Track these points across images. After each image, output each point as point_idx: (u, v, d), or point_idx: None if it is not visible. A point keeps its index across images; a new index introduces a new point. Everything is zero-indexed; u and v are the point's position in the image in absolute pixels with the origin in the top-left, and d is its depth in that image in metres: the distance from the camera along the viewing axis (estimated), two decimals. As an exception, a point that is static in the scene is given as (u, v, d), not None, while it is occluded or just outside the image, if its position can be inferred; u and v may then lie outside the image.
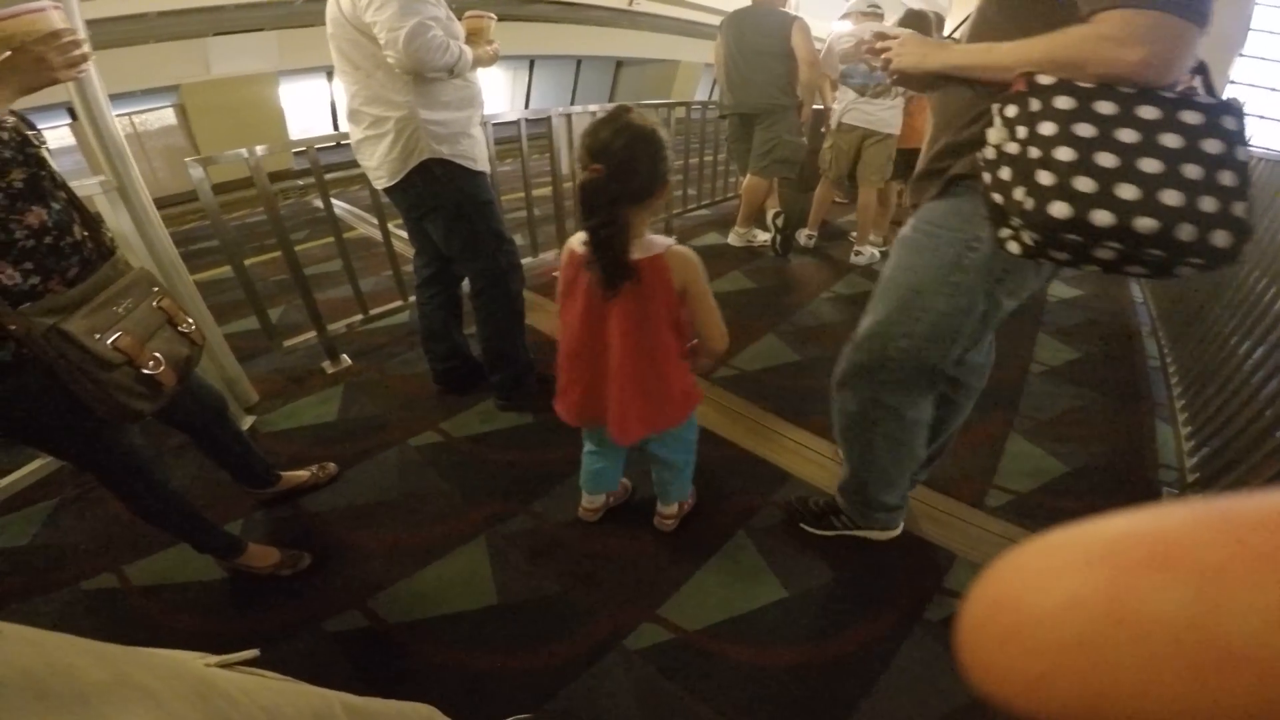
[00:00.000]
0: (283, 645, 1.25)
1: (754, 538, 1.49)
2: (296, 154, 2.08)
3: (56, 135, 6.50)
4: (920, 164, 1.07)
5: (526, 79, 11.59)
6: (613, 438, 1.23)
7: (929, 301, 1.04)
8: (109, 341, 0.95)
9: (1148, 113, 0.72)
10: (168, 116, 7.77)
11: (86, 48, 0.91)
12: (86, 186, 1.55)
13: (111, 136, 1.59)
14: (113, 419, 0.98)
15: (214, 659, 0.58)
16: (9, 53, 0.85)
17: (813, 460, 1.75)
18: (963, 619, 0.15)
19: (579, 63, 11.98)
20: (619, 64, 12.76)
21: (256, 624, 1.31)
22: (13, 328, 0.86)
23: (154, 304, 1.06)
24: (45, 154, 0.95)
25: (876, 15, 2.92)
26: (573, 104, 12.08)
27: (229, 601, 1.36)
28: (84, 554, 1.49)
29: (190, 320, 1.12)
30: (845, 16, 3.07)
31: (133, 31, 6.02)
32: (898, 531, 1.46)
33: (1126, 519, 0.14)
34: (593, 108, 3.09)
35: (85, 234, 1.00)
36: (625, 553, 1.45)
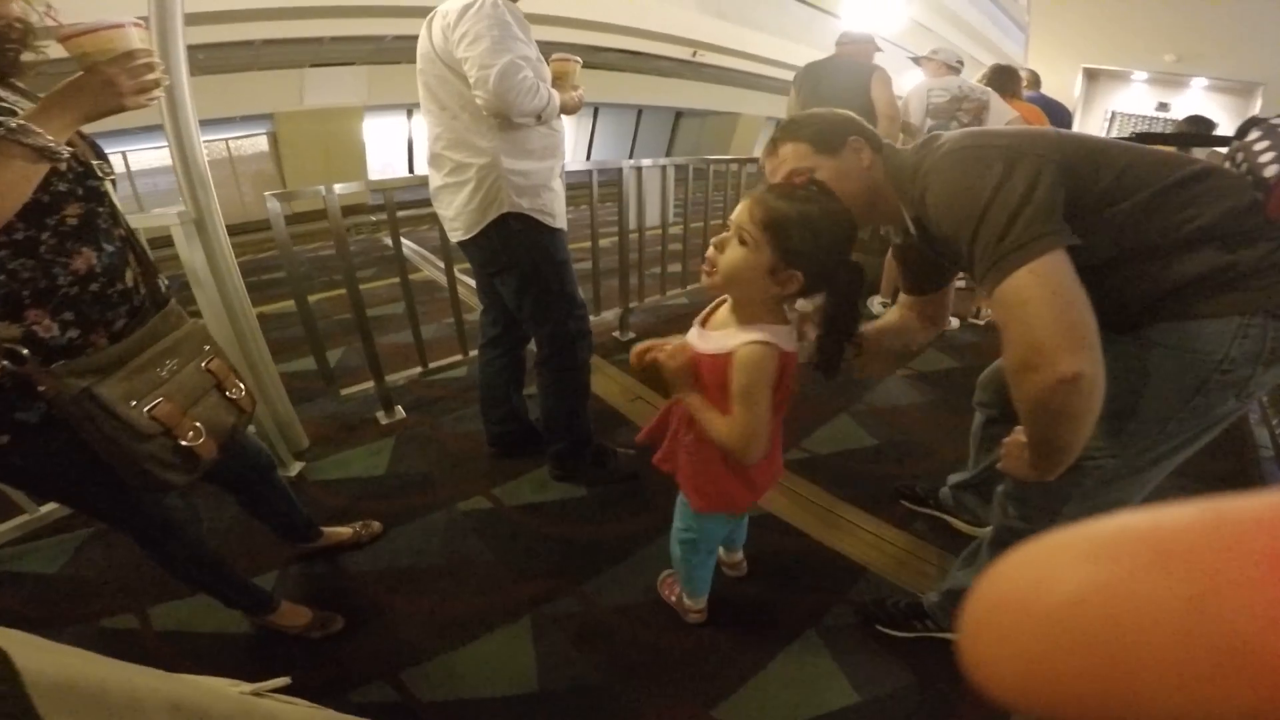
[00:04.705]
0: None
1: (825, 637, 1.35)
2: (373, 190, 2.07)
3: (159, 156, 7.04)
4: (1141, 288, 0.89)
5: (590, 127, 11.98)
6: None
7: (1159, 426, 0.89)
8: (146, 409, 0.86)
9: None
10: (261, 143, 8.31)
11: (161, 72, 0.83)
12: (164, 216, 1.55)
13: (198, 166, 1.59)
14: (141, 490, 0.91)
15: (248, 686, 0.60)
16: (79, 74, 0.77)
17: (891, 555, 1.58)
18: (965, 618, 0.15)
19: (640, 112, 12.34)
20: (678, 115, 13.09)
21: (278, 685, 1.24)
22: (42, 388, 0.78)
23: (202, 365, 0.98)
24: (109, 187, 0.88)
25: (955, 70, 2.79)
26: (633, 153, 12.43)
27: (252, 658, 1.30)
28: (108, 590, 1.46)
29: (241, 385, 1.05)
30: (919, 62, 2.92)
31: (238, 58, 6.46)
32: None
33: (1126, 519, 0.14)
34: (663, 161, 3.08)
35: (139, 279, 0.92)
36: (680, 646, 1.33)
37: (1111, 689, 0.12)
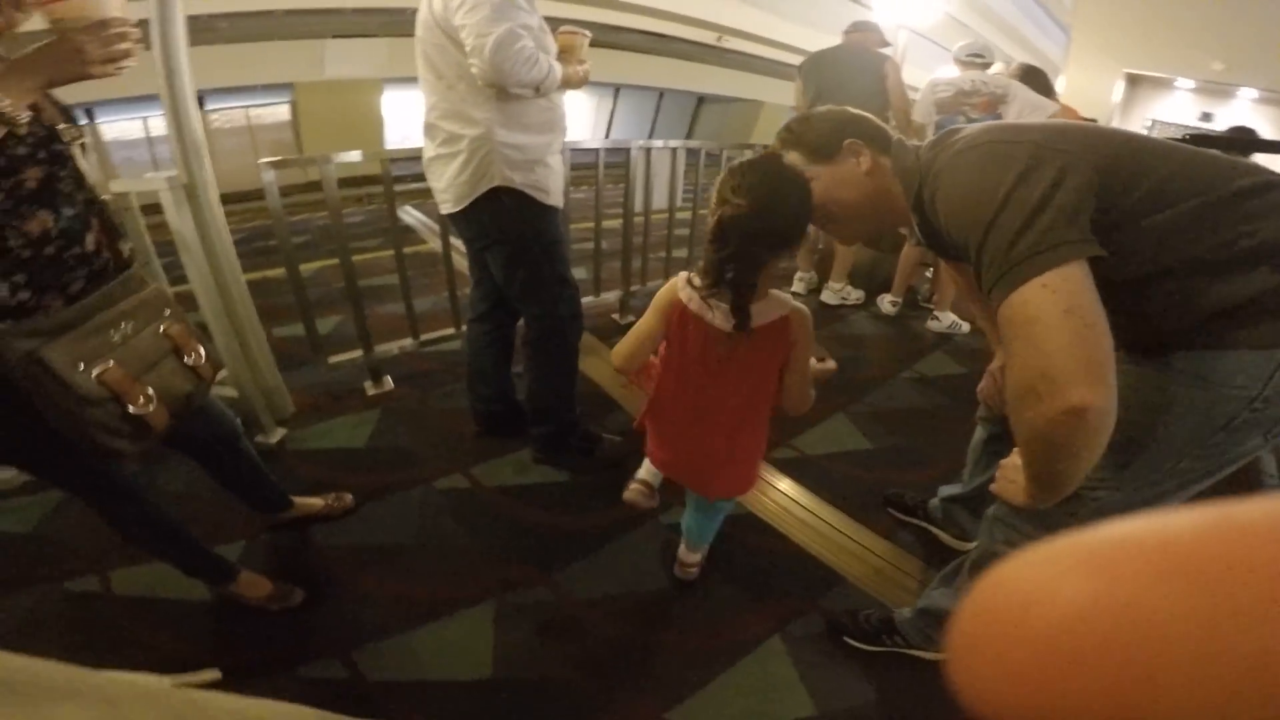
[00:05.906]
0: (248, 681, 1.17)
1: (790, 644, 1.32)
2: (371, 160, 2.06)
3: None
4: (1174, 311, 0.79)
5: (610, 107, 11.82)
6: (698, 492, 1.25)
7: (1171, 462, 0.80)
8: (94, 374, 0.84)
9: None
10: (281, 112, 8.31)
11: (133, 42, 0.82)
12: (153, 181, 1.54)
13: (192, 132, 1.58)
14: (90, 455, 0.90)
15: (170, 680, 0.61)
16: (46, 41, 0.76)
17: (871, 565, 1.53)
18: (953, 634, 0.14)
19: (661, 95, 12.15)
20: (700, 100, 12.86)
21: (229, 654, 1.24)
22: None
23: (159, 329, 0.96)
24: (75, 151, 0.87)
25: (981, 65, 2.69)
26: (652, 136, 12.32)
27: (207, 626, 1.30)
28: (76, 551, 1.46)
29: (201, 351, 1.02)
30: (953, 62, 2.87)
31: (259, 27, 6.45)
32: None
33: (1130, 526, 0.13)
34: (674, 143, 3.00)
35: (101, 243, 0.91)
36: (645, 644, 1.31)
37: (1118, 709, 0.11)
